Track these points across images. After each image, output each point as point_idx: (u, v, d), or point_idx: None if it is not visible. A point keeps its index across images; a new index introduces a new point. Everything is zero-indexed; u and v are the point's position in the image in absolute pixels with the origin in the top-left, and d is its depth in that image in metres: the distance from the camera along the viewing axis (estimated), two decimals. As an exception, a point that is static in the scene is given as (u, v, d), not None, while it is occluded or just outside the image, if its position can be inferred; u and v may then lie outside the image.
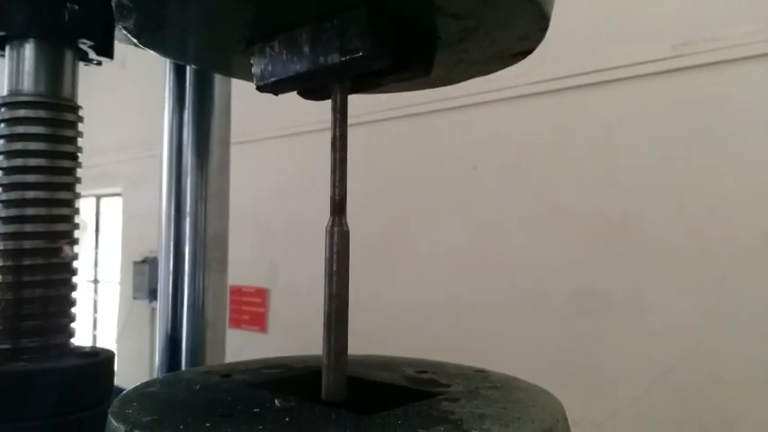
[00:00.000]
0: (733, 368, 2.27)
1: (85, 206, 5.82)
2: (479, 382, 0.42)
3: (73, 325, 0.64)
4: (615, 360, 2.53)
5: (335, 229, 0.50)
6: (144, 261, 5.18)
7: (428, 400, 0.37)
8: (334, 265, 0.49)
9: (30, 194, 0.65)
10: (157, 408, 0.34)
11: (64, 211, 0.68)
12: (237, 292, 4.21)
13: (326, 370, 0.42)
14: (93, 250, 6.19)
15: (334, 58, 0.45)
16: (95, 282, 6.23)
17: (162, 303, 0.79)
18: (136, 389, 0.39)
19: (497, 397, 0.38)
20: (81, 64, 0.72)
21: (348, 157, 0.51)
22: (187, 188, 0.81)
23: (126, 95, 5.05)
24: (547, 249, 2.80)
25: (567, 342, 2.65)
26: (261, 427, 0.30)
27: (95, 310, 6.18)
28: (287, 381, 0.42)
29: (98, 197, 6.14)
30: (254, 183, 3.92)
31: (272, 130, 4.07)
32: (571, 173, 2.74)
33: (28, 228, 0.64)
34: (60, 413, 0.56)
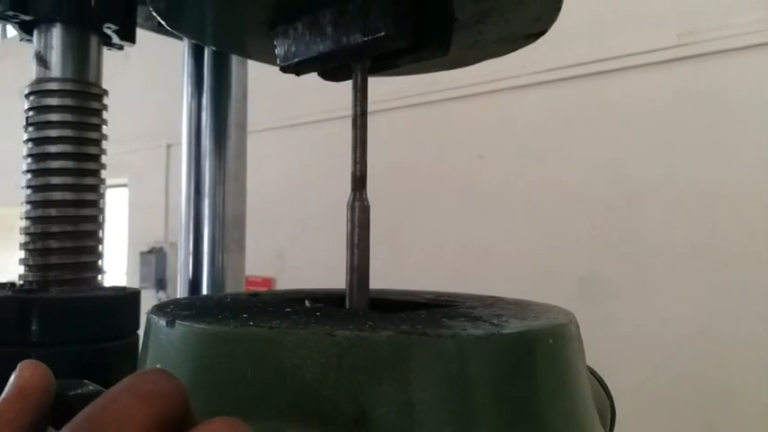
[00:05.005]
0: (736, 354, 2.30)
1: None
2: (495, 301, 0.46)
3: (100, 262, 0.68)
4: (620, 346, 2.56)
5: (356, 203, 0.52)
6: (150, 251, 5.21)
7: (448, 307, 0.41)
8: (356, 237, 0.51)
9: (55, 180, 0.68)
10: (194, 308, 0.38)
11: (89, 196, 0.70)
12: (245, 280, 4.24)
13: (349, 301, 0.46)
14: (100, 241, 6.23)
15: (357, 38, 0.47)
16: (102, 272, 6.27)
17: (182, 282, 0.82)
18: (169, 300, 0.42)
19: (513, 307, 0.42)
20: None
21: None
22: (206, 171, 0.83)
23: (130, 88, 5.06)
24: (552, 237, 2.82)
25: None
26: (294, 317, 0.34)
27: (102, 301, 6.22)
28: (312, 299, 0.46)
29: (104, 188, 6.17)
30: (259, 173, 3.92)
31: (276, 120, 4.09)
32: (576, 161, 2.76)
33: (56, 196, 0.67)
34: (95, 341, 0.59)
